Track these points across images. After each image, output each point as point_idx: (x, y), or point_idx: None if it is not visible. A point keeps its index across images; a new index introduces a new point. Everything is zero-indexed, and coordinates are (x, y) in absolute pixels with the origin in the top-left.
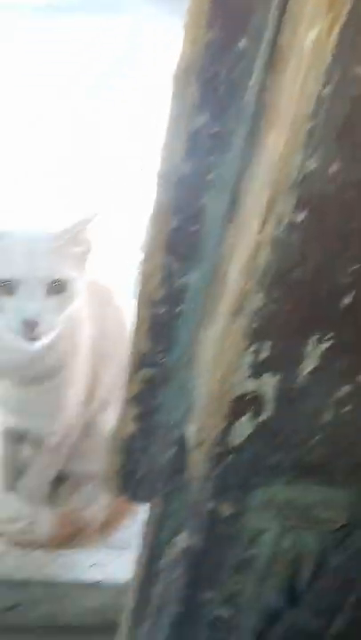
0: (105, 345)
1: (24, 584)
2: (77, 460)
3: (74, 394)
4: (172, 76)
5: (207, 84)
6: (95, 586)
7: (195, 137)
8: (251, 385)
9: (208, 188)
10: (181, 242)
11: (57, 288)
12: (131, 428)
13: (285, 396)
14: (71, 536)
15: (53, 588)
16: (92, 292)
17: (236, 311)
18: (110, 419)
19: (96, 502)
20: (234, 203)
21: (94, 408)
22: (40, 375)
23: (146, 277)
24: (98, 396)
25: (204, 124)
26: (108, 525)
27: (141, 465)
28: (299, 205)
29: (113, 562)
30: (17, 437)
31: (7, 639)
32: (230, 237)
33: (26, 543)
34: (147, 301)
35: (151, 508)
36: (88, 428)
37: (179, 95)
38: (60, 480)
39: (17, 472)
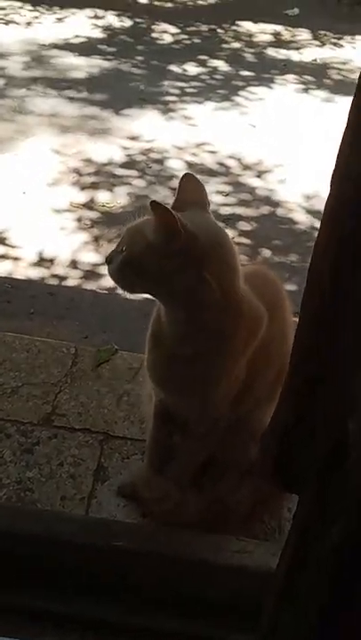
0: (269, 346)
1: (172, 561)
2: (225, 449)
3: (221, 388)
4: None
5: None
6: (240, 570)
7: None
8: None
9: None
10: (355, 243)
11: None
12: (290, 419)
13: None
14: (216, 521)
15: (200, 567)
16: (261, 286)
17: None
18: (264, 417)
19: (241, 491)
20: None
21: (248, 406)
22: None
23: (317, 272)
24: (254, 395)
25: None
26: (252, 514)
27: (297, 457)
28: None
29: (257, 550)
30: (168, 419)
31: (153, 610)
32: None
33: (173, 523)
34: (317, 296)
35: (301, 500)
36: (239, 423)
37: None
38: (207, 466)
39: (166, 455)
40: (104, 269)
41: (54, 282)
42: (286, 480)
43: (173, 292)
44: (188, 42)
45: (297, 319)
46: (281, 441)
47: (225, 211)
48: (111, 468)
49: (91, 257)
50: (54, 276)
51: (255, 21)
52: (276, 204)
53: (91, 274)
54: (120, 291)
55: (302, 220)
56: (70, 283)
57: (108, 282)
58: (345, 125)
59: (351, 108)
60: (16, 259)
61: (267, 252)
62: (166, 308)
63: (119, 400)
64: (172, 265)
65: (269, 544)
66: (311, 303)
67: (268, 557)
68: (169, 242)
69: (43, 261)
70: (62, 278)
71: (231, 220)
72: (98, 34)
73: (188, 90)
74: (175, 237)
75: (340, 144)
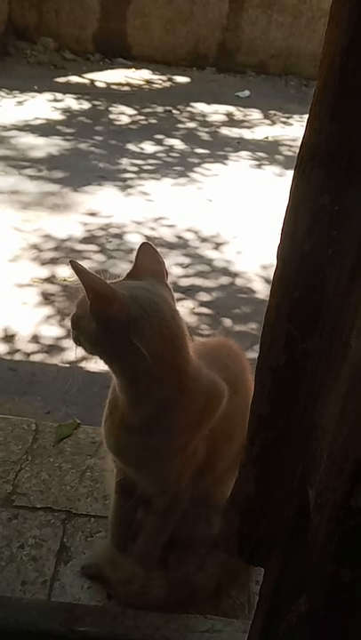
0: (232, 420)
1: None
2: (189, 524)
3: (175, 462)
4: (296, 160)
5: (330, 168)
6: None
7: (317, 215)
8: None
9: (329, 262)
10: (303, 310)
11: None
12: (250, 489)
13: None
14: (184, 600)
15: None
16: (224, 359)
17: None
18: (227, 490)
19: (207, 566)
20: (354, 276)
21: (211, 481)
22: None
23: (267, 344)
24: (217, 469)
25: (326, 203)
26: (220, 590)
27: (259, 528)
28: None
29: (226, 628)
30: (129, 492)
31: None
32: (351, 307)
33: (140, 604)
34: (268, 367)
35: (266, 572)
36: (203, 497)
37: (303, 178)
38: (172, 542)
39: (131, 534)
40: (66, 343)
41: (16, 357)
42: (250, 552)
43: (109, 356)
44: (144, 122)
45: None
46: (242, 512)
47: (185, 282)
48: (74, 548)
49: (52, 331)
50: (16, 350)
51: (208, 103)
52: (234, 275)
53: (52, 348)
54: (83, 363)
55: (260, 289)
56: (32, 357)
57: (69, 355)
58: (286, 204)
59: (291, 187)
60: None
61: (227, 322)
62: (114, 375)
63: (82, 476)
64: (102, 328)
65: (239, 621)
66: (264, 374)
67: (238, 635)
68: (95, 305)
69: (4, 337)
70: (24, 353)
71: (191, 290)
72: (57, 116)
73: (146, 167)
74: (102, 302)
75: (282, 222)
